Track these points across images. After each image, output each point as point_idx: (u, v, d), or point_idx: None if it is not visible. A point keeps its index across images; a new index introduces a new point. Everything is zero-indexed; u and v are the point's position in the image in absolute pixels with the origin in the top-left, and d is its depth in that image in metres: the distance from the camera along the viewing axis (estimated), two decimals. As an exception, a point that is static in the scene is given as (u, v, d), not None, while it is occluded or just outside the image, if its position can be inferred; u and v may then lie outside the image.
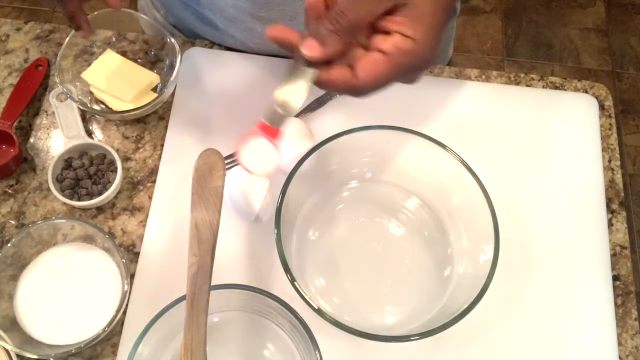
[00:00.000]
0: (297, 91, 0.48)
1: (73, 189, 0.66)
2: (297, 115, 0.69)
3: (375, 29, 0.47)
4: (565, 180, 0.70)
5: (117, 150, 0.68)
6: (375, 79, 0.46)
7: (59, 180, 0.66)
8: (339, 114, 0.71)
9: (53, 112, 0.70)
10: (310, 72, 0.47)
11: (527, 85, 0.76)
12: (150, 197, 0.67)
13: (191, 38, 0.80)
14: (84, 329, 0.59)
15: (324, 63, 0.47)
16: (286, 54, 0.73)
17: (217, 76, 0.73)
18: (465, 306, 0.54)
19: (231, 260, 0.64)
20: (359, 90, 0.47)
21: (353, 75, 0.47)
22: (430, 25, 0.46)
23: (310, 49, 0.47)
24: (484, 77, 0.76)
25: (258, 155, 0.49)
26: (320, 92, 0.71)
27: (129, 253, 0.65)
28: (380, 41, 0.47)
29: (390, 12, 0.47)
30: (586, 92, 0.76)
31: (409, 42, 0.46)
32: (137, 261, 0.64)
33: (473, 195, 0.59)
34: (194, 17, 0.75)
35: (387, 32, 0.47)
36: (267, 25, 0.69)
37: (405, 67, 0.47)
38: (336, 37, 0.46)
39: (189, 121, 0.71)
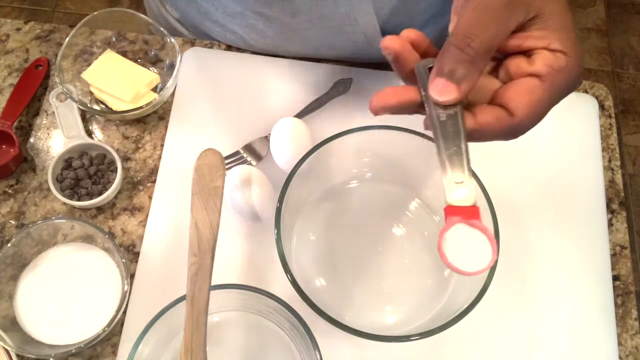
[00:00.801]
0: (464, 154, 0.38)
1: (73, 189, 0.66)
2: (297, 115, 0.69)
3: (502, 50, 0.40)
4: (565, 180, 0.70)
5: (117, 150, 0.68)
6: (536, 110, 0.38)
7: (59, 180, 0.66)
8: (339, 114, 0.71)
9: (53, 112, 0.70)
10: (460, 121, 0.38)
11: (527, 85, 0.76)
12: (150, 197, 0.67)
13: (194, 33, 0.80)
14: (84, 329, 0.59)
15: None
16: (287, 54, 0.74)
17: (217, 76, 0.73)
18: (465, 306, 0.54)
19: (231, 260, 0.64)
20: (519, 129, 0.39)
21: (507, 113, 0.38)
22: (574, 33, 0.39)
23: (442, 92, 0.37)
24: (484, 77, 0.76)
25: (465, 248, 0.38)
26: (320, 92, 0.72)
27: (129, 253, 0.65)
28: (525, 63, 0.39)
29: (520, 28, 0.39)
30: (586, 92, 0.76)
31: (562, 58, 0.38)
32: (137, 261, 0.64)
33: (473, 195, 0.59)
34: (197, 12, 0.75)
35: (523, 53, 0.39)
36: (267, 21, 0.69)
37: (563, 88, 0.39)
38: (472, 68, 0.37)
39: (189, 121, 0.71)
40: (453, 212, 0.38)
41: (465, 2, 0.40)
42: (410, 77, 0.41)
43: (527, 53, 0.39)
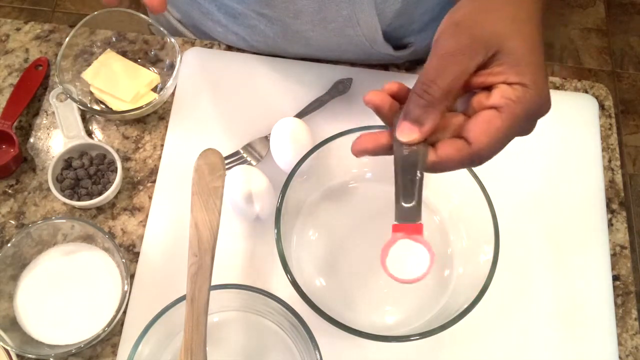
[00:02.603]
0: (417, 184, 0.42)
1: (73, 189, 0.66)
2: (297, 115, 0.69)
3: (468, 88, 0.42)
4: (565, 180, 0.70)
5: (117, 150, 0.68)
6: (494, 139, 0.41)
7: (59, 180, 0.66)
8: (339, 114, 0.71)
9: (53, 112, 0.70)
10: (420, 154, 0.42)
11: (527, 85, 0.76)
12: (150, 197, 0.67)
13: (195, 34, 0.80)
14: (84, 329, 0.59)
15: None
16: (288, 55, 0.74)
17: (217, 76, 0.73)
18: (465, 306, 0.54)
19: (231, 260, 0.64)
20: (479, 157, 0.42)
21: (466, 143, 0.41)
22: (535, 65, 0.41)
23: (406, 134, 0.41)
24: (484, 77, 0.76)
25: (406, 259, 0.43)
26: (320, 92, 0.72)
27: (129, 253, 0.65)
28: (485, 98, 0.41)
29: (483, 66, 0.41)
30: (586, 92, 0.76)
31: (520, 89, 0.41)
32: (137, 261, 0.64)
33: (473, 195, 0.59)
34: (199, 12, 0.75)
35: (486, 88, 0.42)
36: (270, 21, 0.69)
37: (523, 117, 0.41)
38: (431, 111, 0.41)
39: (189, 121, 0.71)
40: (398, 229, 0.43)
41: (433, 43, 0.42)
42: (391, 123, 0.45)
43: (489, 88, 0.42)
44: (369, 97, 0.44)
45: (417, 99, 0.41)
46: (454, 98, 0.42)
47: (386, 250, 0.43)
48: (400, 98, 0.45)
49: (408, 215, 0.43)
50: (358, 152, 0.45)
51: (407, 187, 0.42)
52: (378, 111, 0.44)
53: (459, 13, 0.43)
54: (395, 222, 0.43)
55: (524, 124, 0.42)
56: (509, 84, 0.41)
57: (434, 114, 0.41)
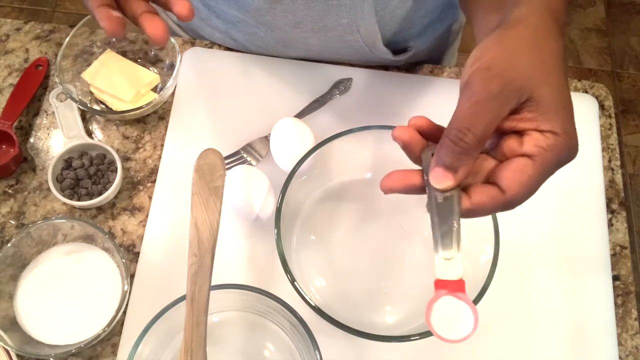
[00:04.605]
0: (455, 233, 0.43)
1: (73, 189, 0.66)
2: (297, 115, 0.69)
3: (498, 130, 0.42)
4: (565, 180, 0.70)
5: (117, 150, 0.68)
6: (527, 187, 0.41)
7: (59, 180, 0.66)
8: (339, 114, 0.71)
9: (53, 112, 0.70)
10: (455, 203, 0.42)
11: (527, 85, 0.76)
12: (150, 197, 0.67)
13: (194, 38, 0.80)
14: (84, 329, 0.59)
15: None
16: (286, 54, 0.74)
17: (217, 76, 0.73)
18: (465, 306, 0.54)
19: (231, 260, 0.64)
20: (511, 204, 0.42)
21: (499, 191, 0.42)
22: (564, 110, 0.42)
23: (440, 181, 0.42)
24: (484, 77, 0.76)
25: (450, 317, 0.43)
26: (320, 92, 0.72)
27: (129, 253, 0.65)
28: (516, 144, 0.42)
29: (514, 110, 0.42)
30: (586, 92, 0.76)
31: (551, 137, 0.41)
32: (137, 261, 0.64)
33: (473, 195, 0.59)
34: (197, 18, 0.75)
35: (516, 133, 0.42)
36: (269, 29, 0.69)
37: (555, 164, 0.42)
38: (465, 158, 0.41)
39: (189, 121, 0.71)
40: (441, 286, 0.43)
41: (464, 86, 0.42)
42: (419, 161, 0.45)
43: (520, 133, 0.42)
44: (397, 133, 0.44)
45: (452, 146, 0.41)
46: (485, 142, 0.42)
47: (430, 306, 0.43)
48: (426, 134, 0.45)
49: (449, 271, 0.43)
50: (387, 190, 0.44)
51: (445, 238, 0.43)
52: (407, 148, 0.44)
53: (487, 56, 0.42)
54: (437, 277, 0.43)
55: (554, 170, 0.42)
56: (540, 131, 0.41)
57: (468, 161, 0.41)
